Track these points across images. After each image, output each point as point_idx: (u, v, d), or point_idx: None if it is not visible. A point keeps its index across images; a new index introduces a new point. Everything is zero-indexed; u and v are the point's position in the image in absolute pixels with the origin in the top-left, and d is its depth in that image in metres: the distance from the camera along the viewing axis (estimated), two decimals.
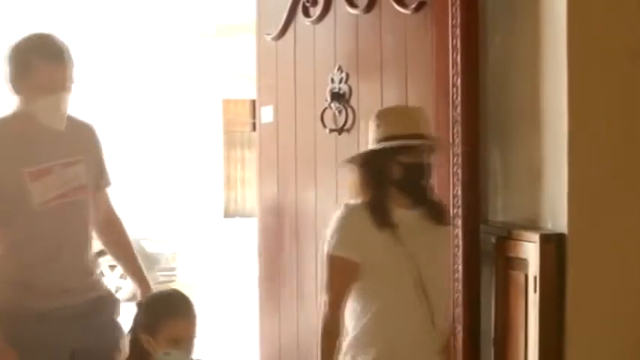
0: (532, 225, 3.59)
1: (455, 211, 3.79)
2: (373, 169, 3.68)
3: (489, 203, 3.87)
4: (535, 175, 3.63)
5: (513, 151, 3.79)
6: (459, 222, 3.71)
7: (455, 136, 3.78)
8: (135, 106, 17.03)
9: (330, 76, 4.84)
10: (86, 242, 3.98)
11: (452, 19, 3.69)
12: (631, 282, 3.44)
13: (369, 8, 4.60)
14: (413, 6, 4.30)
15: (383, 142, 3.64)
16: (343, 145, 4.73)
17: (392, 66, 4.48)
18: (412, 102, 4.35)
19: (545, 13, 3.59)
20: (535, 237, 3.42)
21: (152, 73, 17.11)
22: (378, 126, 3.71)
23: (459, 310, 3.79)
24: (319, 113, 4.86)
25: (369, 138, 3.76)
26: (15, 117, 3.85)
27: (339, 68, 4.80)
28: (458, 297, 3.75)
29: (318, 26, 4.93)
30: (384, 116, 3.74)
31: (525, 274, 3.51)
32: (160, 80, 17.18)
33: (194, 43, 17.34)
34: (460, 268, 3.70)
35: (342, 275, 3.54)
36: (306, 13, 4.97)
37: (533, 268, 3.42)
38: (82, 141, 4.00)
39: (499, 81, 3.84)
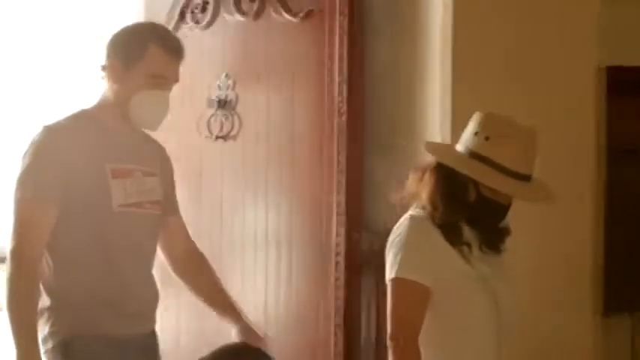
0: None
1: (337, 218, 3.82)
2: (460, 184, 2.79)
3: (371, 210, 3.91)
4: None
5: (396, 158, 3.84)
6: (341, 229, 3.74)
7: (339, 144, 3.82)
8: (38, 110, 16.63)
9: (218, 83, 4.83)
10: (153, 263, 3.31)
11: (339, 28, 3.73)
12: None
13: (257, 16, 4.60)
14: (301, 14, 4.32)
15: (481, 165, 2.75)
16: (229, 153, 4.72)
17: (279, 74, 4.49)
18: (299, 109, 4.38)
19: (425, 26, 3.67)
20: None
21: (52, 76, 16.75)
22: (487, 139, 2.76)
23: (340, 317, 3.83)
24: (206, 120, 4.84)
25: (465, 137, 2.84)
26: (102, 108, 3.22)
27: (227, 75, 4.80)
28: (338, 303, 3.79)
29: (206, 33, 4.90)
30: (495, 130, 2.77)
31: None
32: (56, 83, 16.83)
33: (92, 48, 17.04)
34: (342, 275, 3.74)
35: (417, 304, 2.75)
36: (195, 20, 4.95)
37: None
38: (157, 156, 3.36)
39: (383, 90, 3.89)
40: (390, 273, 2.76)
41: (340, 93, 3.75)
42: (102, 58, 3.22)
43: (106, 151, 3.16)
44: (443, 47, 3.68)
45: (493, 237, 2.85)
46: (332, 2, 3.99)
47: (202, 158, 4.90)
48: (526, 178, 2.74)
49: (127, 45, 3.17)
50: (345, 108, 3.74)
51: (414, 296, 2.74)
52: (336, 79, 3.72)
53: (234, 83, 4.83)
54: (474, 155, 2.74)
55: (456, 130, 3.46)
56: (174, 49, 3.19)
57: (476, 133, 2.76)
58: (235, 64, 4.82)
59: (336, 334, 3.84)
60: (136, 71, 3.14)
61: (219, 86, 4.90)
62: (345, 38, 3.68)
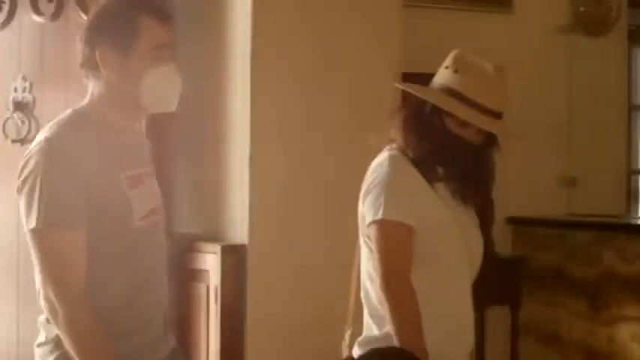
0: (216, 237, 3.65)
1: None
2: (426, 116, 2.72)
3: (177, 217, 3.89)
4: (220, 190, 3.70)
5: (201, 166, 3.84)
6: None
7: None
8: None
9: (14, 85, 4.69)
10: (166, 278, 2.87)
11: None
12: (305, 290, 3.60)
13: (55, 16, 4.49)
14: None
15: (448, 97, 2.69)
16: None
17: (79, 76, 4.40)
18: None
19: (230, 30, 3.68)
20: (216, 248, 3.48)
21: None
22: (456, 72, 2.72)
23: None
24: (1, 123, 4.69)
25: (437, 75, 2.77)
26: (100, 105, 2.60)
27: (23, 77, 4.67)
28: None
29: (1, 33, 4.76)
30: (471, 67, 2.73)
31: (207, 286, 3.56)
32: None
33: None
34: None
35: (405, 245, 2.67)
36: None
37: (215, 279, 3.48)
38: (147, 149, 2.86)
39: (190, 95, 3.88)
40: (373, 215, 2.65)
41: None
42: (79, 53, 2.60)
43: (117, 158, 2.62)
44: (243, 53, 3.71)
45: (464, 187, 2.77)
46: None
47: None
48: (494, 114, 2.68)
49: (114, 26, 2.60)
50: None
51: (401, 236, 2.66)
52: None
53: (31, 85, 4.70)
54: (441, 87, 2.70)
55: (255, 140, 3.52)
56: (165, 14, 2.67)
57: (446, 67, 2.73)
58: (33, 65, 4.69)
59: None
60: (135, 51, 2.58)
61: (15, 89, 4.76)
62: None
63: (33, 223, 2.44)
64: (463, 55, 2.73)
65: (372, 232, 2.66)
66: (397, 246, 2.64)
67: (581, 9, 5.10)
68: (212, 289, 3.51)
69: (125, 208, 2.56)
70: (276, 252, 3.55)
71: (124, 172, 2.59)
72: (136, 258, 2.60)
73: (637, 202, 6.02)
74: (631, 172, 6.19)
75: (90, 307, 2.46)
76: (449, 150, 2.70)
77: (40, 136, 2.53)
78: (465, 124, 2.66)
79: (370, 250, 2.70)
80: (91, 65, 2.57)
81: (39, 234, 2.45)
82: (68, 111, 2.60)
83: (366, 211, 2.69)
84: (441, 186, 2.71)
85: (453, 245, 2.73)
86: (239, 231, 3.54)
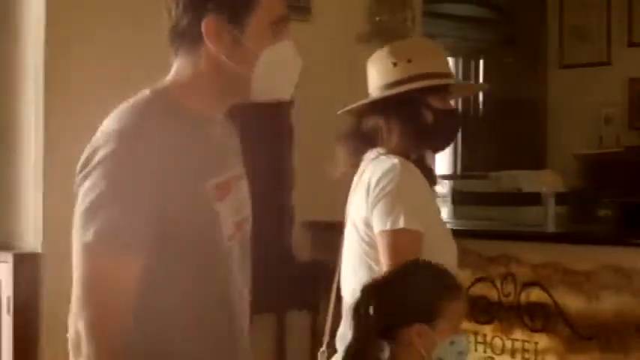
0: (7, 246, 3.53)
1: None
2: (410, 116, 2.76)
3: None
4: (11, 197, 3.58)
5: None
6: None
7: None
8: None
9: None
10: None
11: None
12: None
13: None
14: None
15: (421, 81, 2.76)
16: None
17: None
18: None
19: (22, 40, 3.59)
20: (8, 257, 3.37)
21: None
22: (409, 61, 2.77)
23: None
24: None
25: (378, 79, 2.84)
26: (189, 89, 2.05)
27: None
28: None
29: None
30: (411, 52, 2.82)
31: None
32: None
33: None
34: None
35: (419, 252, 2.62)
36: None
37: (7, 290, 3.37)
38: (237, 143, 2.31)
39: None
40: (390, 223, 2.62)
41: None
42: (172, 19, 2.04)
43: (205, 160, 2.06)
44: (36, 62, 3.62)
45: (434, 174, 2.86)
46: None
47: None
48: (451, 75, 2.83)
49: None
50: None
51: (418, 246, 2.63)
52: None
53: None
54: (410, 79, 2.75)
55: (49, 145, 3.43)
56: None
57: (395, 64, 2.78)
58: None
59: None
60: (253, 24, 2.05)
61: None
62: None
63: (85, 236, 1.93)
64: (401, 46, 2.86)
65: (386, 240, 2.62)
66: (414, 255, 2.56)
67: (377, 18, 5.23)
68: (4, 299, 3.39)
69: (211, 226, 2.02)
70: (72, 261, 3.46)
71: (213, 179, 2.04)
72: (224, 286, 2.06)
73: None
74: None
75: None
76: (444, 128, 2.79)
77: (112, 125, 1.95)
78: (446, 96, 2.78)
79: (365, 254, 2.69)
80: (190, 36, 2.02)
81: (86, 251, 1.94)
82: (145, 92, 2.03)
83: (377, 218, 2.65)
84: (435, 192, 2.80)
85: (450, 250, 2.78)
86: (32, 239, 3.44)
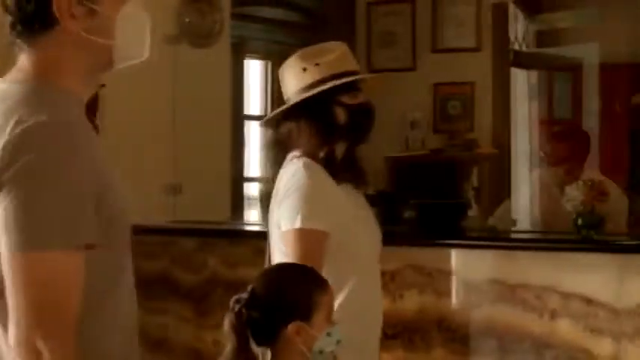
0: None
1: None
2: (320, 116, 2.89)
3: None
4: None
5: None
6: None
7: None
8: None
9: None
10: None
11: None
12: None
13: None
14: None
15: (328, 82, 2.89)
16: None
17: None
18: None
19: None
20: None
21: None
22: (317, 64, 2.91)
23: None
24: None
25: (291, 85, 2.94)
26: (63, 67, 1.94)
27: None
28: None
29: None
30: (318, 56, 2.95)
31: None
32: None
33: None
34: None
35: (319, 251, 2.74)
36: None
37: None
38: None
39: None
40: (291, 223, 2.75)
41: None
42: (14, 11, 1.91)
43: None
44: None
45: (362, 172, 3.02)
46: None
47: None
48: (358, 73, 2.96)
49: None
50: None
51: (319, 244, 2.75)
52: None
53: None
54: (319, 82, 2.88)
55: None
56: None
57: (304, 70, 2.91)
58: None
59: None
60: None
61: None
62: None
63: (30, 241, 1.78)
64: (309, 51, 2.97)
65: (289, 239, 2.76)
66: (312, 253, 2.72)
67: (187, 20, 5.20)
68: None
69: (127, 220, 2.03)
70: None
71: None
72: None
73: (248, 209, 6.24)
74: (243, 180, 6.42)
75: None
76: (359, 124, 2.93)
77: (31, 119, 1.80)
78: (356, 92, 2.92)
79: (285, 255, 2.78)
80: (40, 21, 1.90)
81: (25, 251, 1.78)
82: (28, 81, 1.91)
83: (282, 218, 2.79)
84: (346, 186, 2.90)
85: (365, 242, 2.92)
86: None
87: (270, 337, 2.33)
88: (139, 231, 4.60)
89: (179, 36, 5.15)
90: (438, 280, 3.94)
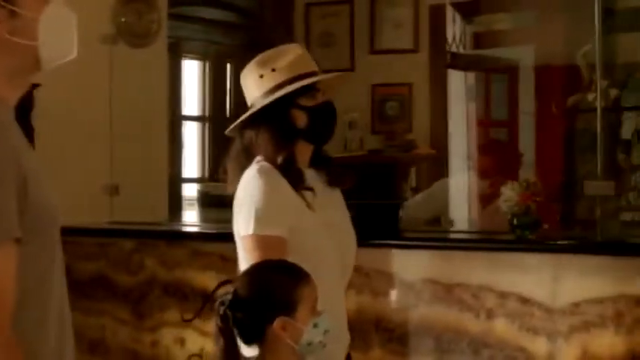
0: None
1: None
2: (278, 121, 2.91)
3: None
4: None
5: None
6: None
7: None
8: None
9: None
10: None
11: None
12: None
13: None
14: None
15: (285, 87, 2.89)
16: None
17: None
18: None
19: None
20: None
21: None
22: (273, 70, 2.92)
23: None
24: None
25: (251, 93, 2.97)
26: None
27: None
28: None
29: None
30: (274, 61, 2.95)
31: None
32: None
33: None
34: None
35: (275, 256, 2.74)
36: None
37: None
38: None
39: None
40: (245, 229, 2.80)
41: None
42: None
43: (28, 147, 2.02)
44: None
45: (336, 171, 3.05)
46: None
47: None
48: (315, 73, 2.93)
49: None
50: None
51: (273, 250, 2.76)
52: None
53: None
54: (277, 87, 2.90)
55: None
56: None
57: (261, 76, 2.93)
58: None
59: None
60: None
61: None
62: None
63: None
64: (264, 58, 2.97)
65: (246, 245, 2.81)
66: (270, 257, 2.72)
67: (123, 19, 5.16)
68: None
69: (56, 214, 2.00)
70: None
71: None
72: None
73: (187, 210, 6.22)
74: (181, 180, 6.39)
75: None
76: (320, 124, 2.94)
77: None
78: (315, 93, 2.92)
79: (245, 261, 2.80)
80: None
81: None
82: None
83: (240, 225, 2.83)
84: (308, 193, 2.89)
85: (324, 248, 2.89)
86: None
87: (257, 335, 2.38)
88: (76, 232, 4.62)
89: (116, 36, 5.11)
90: (375, 280, 3.96)
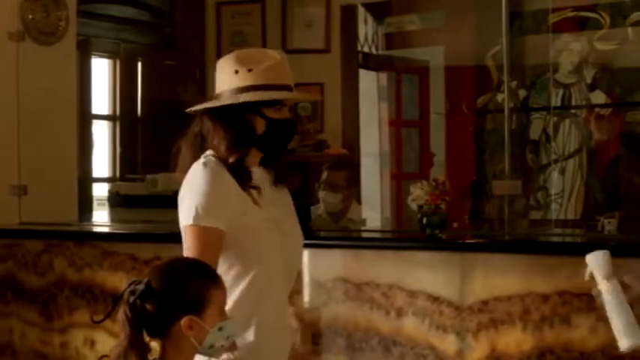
0: None
1: None
2: (237, 123, 2.92)
3: None
4: None
5: None
6: None
7: None
8: None
9: None
10: None
11: None
12: None
13: None
14: None
15: (254, 92, 2.90)
16: None
17: None
18: None
19: None
20: None
21: None
22: (250, 70, 2.91)
23: None
24: None
25: (221, 84, 2.95)
26: None
27: None
28: None
29: None
30: (253, 61, 2.95)
31: None
32: None
33: None
34: None
35: (213, 248, 2.81)
36: None
37: None
38: None
39: None
40: (186, 220, 2.82)
41: None
42: None
43: None
44: None
45: (283, 171, 3.04)
46: None
47: None
48: (289, 87, 2.94)
49: None
50: None
51: (212, 241, 2.81)
52: None
53: None
54: (247, 89, 2.89)
55: None
56: None
57: (236, 72, 2.91)
58: None
59: None
60: None
61: None
62: None
63: None
64: (245, 55, 2.97)
65: (185, 235, 2.83)
66: (204, 249, 2.79)
67: (30, 17, 5.08)
68: None
69: None
70: None
71: None
72: None
73: (98, 210, 6.14)
74: (91, 180, 6.31)
75: None
76: (277, 136, 2.95)
77: None
78: (280, 107, 2.91)
79: (184, 250, 2.82)
80: None
81: None
82: None
83: (181, 215, 2.85)
84: (254, 191, 2.89)
85: (269, 243, 2.91)
86: None
87: (163, 329, 2.39)
88: None
89: (23, 33, 5.04)
90: None
